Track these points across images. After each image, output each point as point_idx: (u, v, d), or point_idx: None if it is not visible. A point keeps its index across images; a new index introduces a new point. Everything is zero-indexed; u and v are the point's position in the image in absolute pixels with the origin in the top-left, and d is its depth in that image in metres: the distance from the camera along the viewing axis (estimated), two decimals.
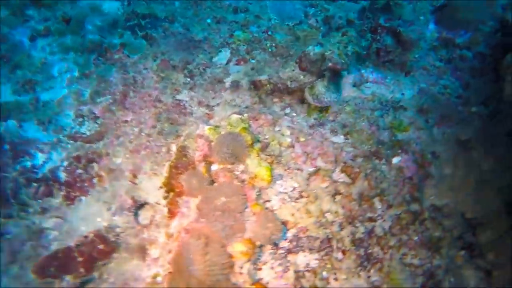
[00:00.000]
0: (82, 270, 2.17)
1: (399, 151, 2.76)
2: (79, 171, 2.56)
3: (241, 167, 2.55)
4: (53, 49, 2.89)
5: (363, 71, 3.24)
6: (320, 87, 2.83)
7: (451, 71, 3.22)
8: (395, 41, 3.15)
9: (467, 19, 3.23)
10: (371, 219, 2.48)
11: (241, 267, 2.14)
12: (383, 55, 3.19)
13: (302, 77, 2.81)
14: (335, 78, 2.88)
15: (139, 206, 2.58)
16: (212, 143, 2.59)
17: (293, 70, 2.84)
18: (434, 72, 3.24)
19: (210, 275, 1.92)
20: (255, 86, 2.95)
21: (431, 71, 3.25)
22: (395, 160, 2.73)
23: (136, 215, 2.56)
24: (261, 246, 2.27)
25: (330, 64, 2.70)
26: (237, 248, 2.13)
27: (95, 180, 2.58)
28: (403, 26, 3.11)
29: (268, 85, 2.88)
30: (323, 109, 3.03)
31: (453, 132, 2.90)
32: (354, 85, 3.18)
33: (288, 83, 2.85)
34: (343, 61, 2.72)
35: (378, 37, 3.18)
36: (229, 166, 2.53)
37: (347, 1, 3.65)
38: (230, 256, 2.09)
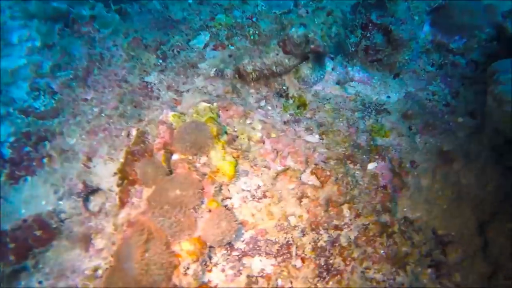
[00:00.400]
0: (12, 257, 2.00)
1: (376, 157, 2.60)
2: (28, 148, 2.39)
3: (203, 159, 2.38)
4: (15, 13, 2.70)
5: (349, 68, 3.07)
6: (305, 69, 2.74)
7: (442, 77, 3.06)
8: (385, 40, 2.97)
9: (464, 23, 3.06)
10: (336, 227, 2.33)
11: (187, 268, 1.99)
12: (372, 53, 3.02)
13: (287, 60, 2.67)
14: (319, 59, 2.75)
15: (91, 191, 2.41)
16: (175, 131, 2.42)
17: (277, 54, 2.69)
18: (424, 77, 3.08)
19: (147, 274, 1.77)
20: (239, 75, 2.78)
21: (421, 75, 3.09)
22: (370, 166, 2.58)
23: (86, 201, 2.39)
24: (212, 246, 2.12)
25: (312, 46, 2.55)
26: (185, 246, 1.98)
27: (44, 160, 2.41)
28: (395, 24, 2.93)
29: (253, 73, 2.71)
30: (301, 105, 2.87)
31: (436, 142, 2.75)
32: (338, 83, 3.02)
33: (274, 68, 2.70)
34: (325, 43, 2.57)
35: (368, 34, 3.00)
36: (190, 157, 2.37)
37: None
38: (175, 255, 1.94)
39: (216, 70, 2.76)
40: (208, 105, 2.57)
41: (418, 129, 2.79)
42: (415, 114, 2.84)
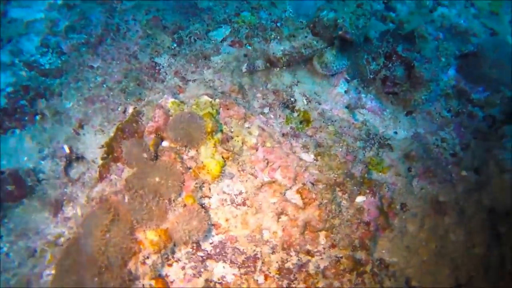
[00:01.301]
0: None
1: (367, 191, 2.57)
2: (23, 102, 2.44)
3: (192, 152, 2.39)
4: None
5: (363, 95, 3.05)
6: (329, 55, 2.80)
7: (456, 125, 3.01)
8: (406, 74, 2.94)
9: (491, 76, 3.01)
10: (308, 253, 2.31)
11: (147, 257, 2.00)
12: (389, 85, 2.99)
13: (315, 42, 2.75)
14: (344, 46, 2.81)
15: (74, 158, 2.45)
16: (170, 118, 2.44)
17: (306, 37, 2.76)
18: (437, 121, 3.03)
19: (103, 255, 1.78)
20: (270, 62, 2.81)
21: (434, 119, 3.04)
22: (359, 199, 2.54)
23: (67, 166, 2.43)
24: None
25: (340, 32, 2.63)
26: (149, 236, 1.99)
27: (37, 117, 2.46)
28: (419, 61, 2.90)
29: (283, 58, 2.76)
30: (304, 121, 2.86)
31: (432, 190, 2.70)
32: (347, 107, 2.99)
33: (303, 50, 2.76)
34: (353, 31, 2.63)
35: (390, 65, 2.98)
36: (179, 148, 2.38)
37: (375, 18, 3.45)
38: (137, 242, 1.95)
39: (247, 65, 2.80)
40: (210, 99, 2.58)
41: (418, 173, 2.75)
42: (418, 156, 2.80)
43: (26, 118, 2.43)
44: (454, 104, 3.07)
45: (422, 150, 2.86)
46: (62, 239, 2.13)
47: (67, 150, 2.33)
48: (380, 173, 2.72)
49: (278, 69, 2.87)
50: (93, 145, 2.48)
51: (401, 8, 3.68)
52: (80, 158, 2.47)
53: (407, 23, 3.31)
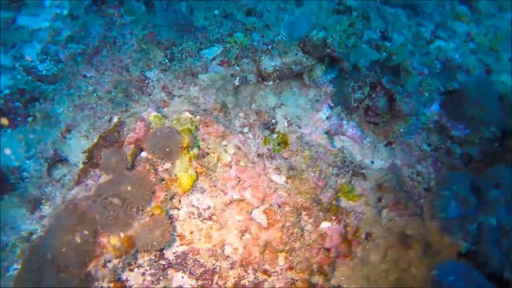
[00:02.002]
0: None
1: (333, 217, 2.67)
2: (18, 104, 2.66)
3: (167, 165, 2.55)
4: None
5: (344, 122, 3.15)
6: (318, 71, 2.96)
7: (433, 160, 3.07)
8: (387, 106, 3.04)
9: (472, 115, 3.05)
10: (265, 272, 2.42)
11: (108, 261, 2.15)
12: (371, 114, 3.09)
13: (305, 59, 2.91)
14: (333, 63, 2.96)
15: (58, 160, 2.65)
16: (150, 131, 2.61)
17: (297, 54, 2.92)
18: (416, 154, 3.10)
19: (63, 255, 1.94)
20: (262, 77, 2.98)
21: (413, 151, 3.11)
22: (323, 225, 2.64)
23: (51, 167, 2.63)
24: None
25: (328, 50, 2.79)
26: (112, 241, 2.15)
27: (29, 119, 2.68)
28: (401, 94, 2.99)
29: (274, 73, 2.94)
30: (282, 143, 2.98)
31: (401, 222, 2.76)
32: (327, 133, 3.10)
33: (293, 67, 2.92)
34: (341, 50, 2.77)
35: (374, 95, 3.08)
36: (155, 160, 2.54)
37: (368, 46, 3.56)
38: (99, 246, 2.11)
39: (240, 78, 2.97)
40: (191, 116, 2.74)
41: (388, 204, 2.82)
42: (390, 188, 2.87)
43: (19, 119, 2.66)
44: (435, 139, 3.13)
45: (396, 181, 2.93)
46: (34, 236, 2.32)
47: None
48: (350, 201, 2.81)
49: (271, 82, 3.04)
50: (77, 149, 2.67)
51: (398, 38, 3.76)
52: (63, 161, 2.66)
53: (395, 54, 3.41)
